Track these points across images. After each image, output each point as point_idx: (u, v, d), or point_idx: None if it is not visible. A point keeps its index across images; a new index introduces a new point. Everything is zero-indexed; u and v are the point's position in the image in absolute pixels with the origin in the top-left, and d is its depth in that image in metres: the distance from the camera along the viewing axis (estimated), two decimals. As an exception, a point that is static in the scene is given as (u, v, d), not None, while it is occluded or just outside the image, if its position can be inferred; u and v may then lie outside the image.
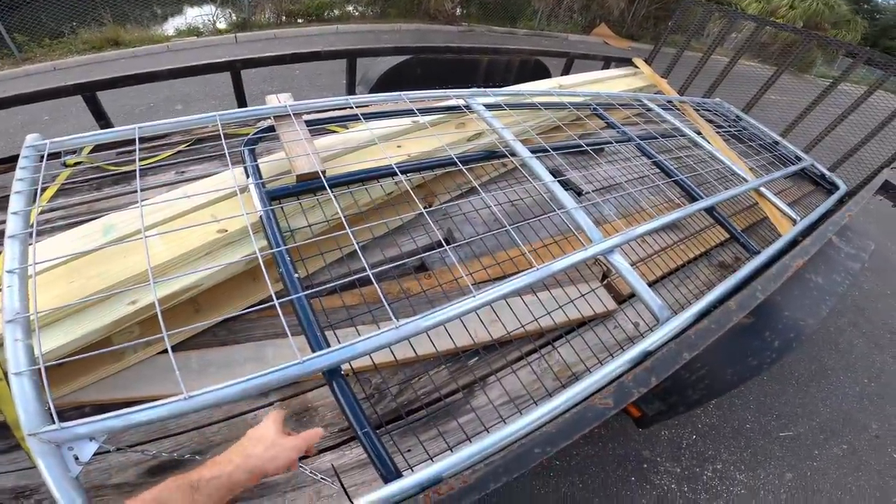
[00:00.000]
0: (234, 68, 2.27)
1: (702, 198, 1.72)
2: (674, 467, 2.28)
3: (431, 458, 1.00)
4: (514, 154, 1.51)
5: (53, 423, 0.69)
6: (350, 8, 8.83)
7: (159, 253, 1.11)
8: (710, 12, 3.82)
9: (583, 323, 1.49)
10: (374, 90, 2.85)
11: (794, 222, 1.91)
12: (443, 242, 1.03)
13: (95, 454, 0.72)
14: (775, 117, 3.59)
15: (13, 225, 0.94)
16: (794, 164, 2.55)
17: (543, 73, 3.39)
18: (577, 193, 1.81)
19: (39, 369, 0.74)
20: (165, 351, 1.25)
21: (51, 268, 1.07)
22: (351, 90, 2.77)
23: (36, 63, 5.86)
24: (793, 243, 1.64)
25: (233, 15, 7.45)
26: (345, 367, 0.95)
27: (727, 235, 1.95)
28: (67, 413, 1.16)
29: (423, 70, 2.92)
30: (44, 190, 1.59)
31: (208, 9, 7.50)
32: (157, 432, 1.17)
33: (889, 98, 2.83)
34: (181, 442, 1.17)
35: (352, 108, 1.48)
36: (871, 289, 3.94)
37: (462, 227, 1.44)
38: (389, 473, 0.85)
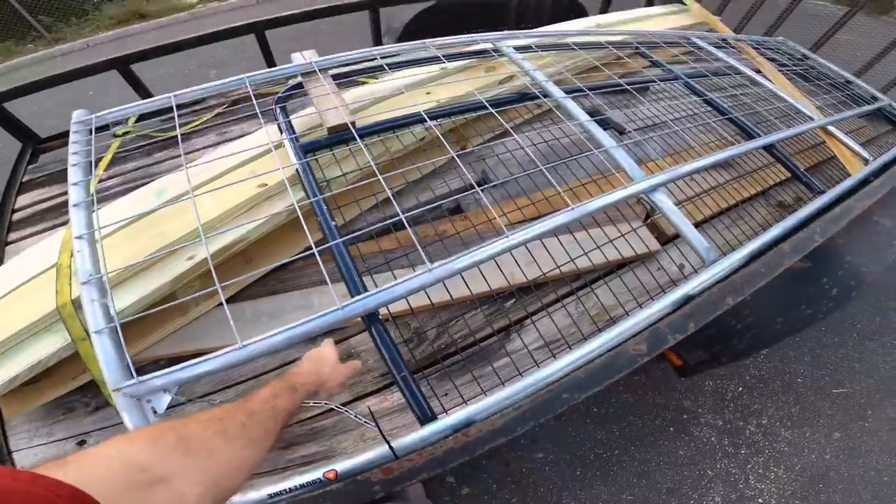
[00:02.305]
0: (257, 30, 2.26)
1: (760, 135, 1.63)
2: (716, 420, 2.22)
3: (466, 402, 1.03)
4: (546, 95, 1.45)
5: (132, 377, 0.77)
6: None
7: (209, 209, 1.17)
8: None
9: (623, 264, 1.44)
10: (400, 39, 2.78)
11: (866, 162, 1.75)
12: (474, 185, 1.02)
13: (170, 406, 0.80)
14: (850, 58, 3.16)
15: (75, 195, 1.02)
16: (869, 105, 2.30)
17: (579, 12, 3.14)
18: (619, 133, 1.73)
19: (116, 327, 0.82)
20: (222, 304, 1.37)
21: (113, 232, 1.15)
22: (378, 41, 2.70)
23: (68, 42, 6.08)
24: (863, 183, 1.52)
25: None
26: (383, 311, 0.97)
27: (788, 175, 1.81)
28: (147, 368, 1.28)
29: (449, 16, 2.81)
30: (98, 161, 1.67)
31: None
32: (222, 382, 1.28)
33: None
34: (242, 392, 1.27)
35: (377, 59, 1.45)
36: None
37: (496, 169, 1.41)
38: (425, 416, 0.88)
